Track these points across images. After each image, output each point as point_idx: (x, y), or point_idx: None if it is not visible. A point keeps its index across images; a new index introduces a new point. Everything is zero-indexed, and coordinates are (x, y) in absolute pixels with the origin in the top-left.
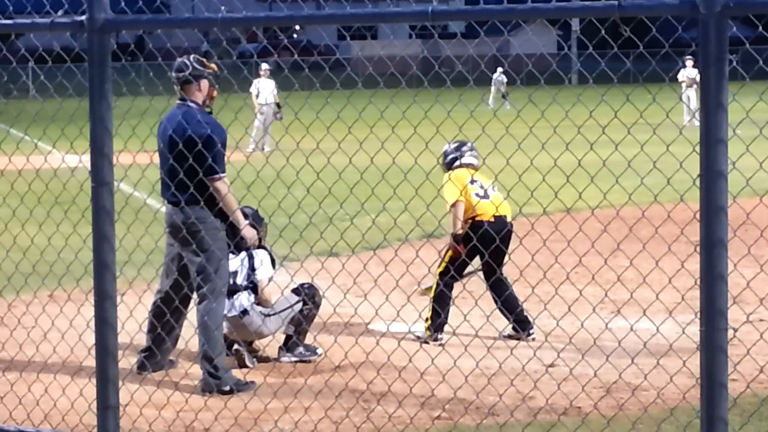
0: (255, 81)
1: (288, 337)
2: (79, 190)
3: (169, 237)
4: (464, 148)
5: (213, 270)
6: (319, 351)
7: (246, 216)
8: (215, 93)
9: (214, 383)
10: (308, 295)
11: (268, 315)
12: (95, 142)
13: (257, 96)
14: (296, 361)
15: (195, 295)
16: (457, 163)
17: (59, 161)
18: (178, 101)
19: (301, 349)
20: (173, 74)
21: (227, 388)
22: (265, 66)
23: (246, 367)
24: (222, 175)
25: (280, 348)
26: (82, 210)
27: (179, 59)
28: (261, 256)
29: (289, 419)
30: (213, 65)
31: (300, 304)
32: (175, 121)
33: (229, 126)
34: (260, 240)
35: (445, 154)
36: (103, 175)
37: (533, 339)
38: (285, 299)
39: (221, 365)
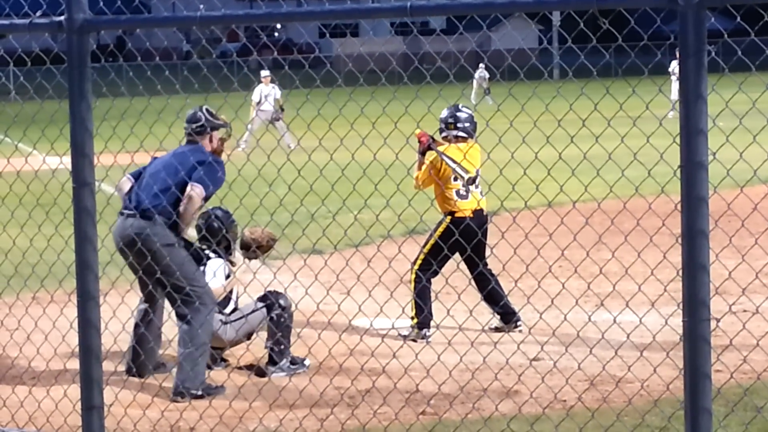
0: (257, 88)
1: (270, 353)
2: (60, 191)
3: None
4: (452, 120)
5: (188, 279)
6: (307, 362)
7: (216, 218)
8: (224, 146)
9: (184, 388)
10: (275, 299)
11: (226, 322)
12: (75, 143)
13: (259, 102)
14: (285, 376)
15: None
16: (445, 134)
17: (40, 162)
18: (188, 140)
19: (287, 362)
20: (185, 125)
21: (198, 392)
22: (265, 73)
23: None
24: (203, 191)
25: (266, 366)
26: (63, 211)
27: (191, 110)
28: (213, 267)
29: (274, 417)
30: (223, 117)
31: (264, 311)
32: (180, 152)
33: None
34: (230, 243)
35: (440, 119)
36: (84, 176)
37: (520, 330)
38: (247, 306)
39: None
